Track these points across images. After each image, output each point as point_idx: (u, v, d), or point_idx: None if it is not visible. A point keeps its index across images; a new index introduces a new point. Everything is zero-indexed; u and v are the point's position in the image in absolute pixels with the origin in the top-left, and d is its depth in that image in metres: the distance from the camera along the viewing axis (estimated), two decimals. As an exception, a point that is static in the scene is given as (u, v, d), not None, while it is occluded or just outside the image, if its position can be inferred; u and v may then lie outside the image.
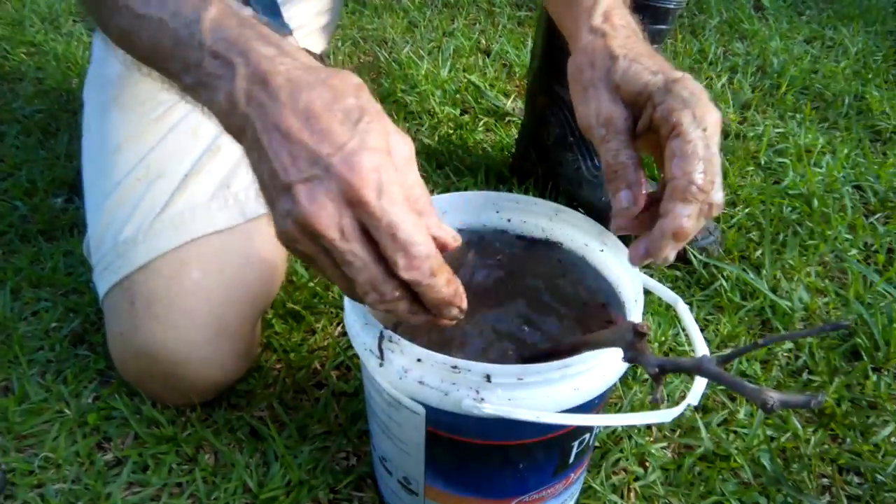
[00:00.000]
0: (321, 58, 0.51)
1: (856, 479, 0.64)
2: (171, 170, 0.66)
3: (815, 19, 1.60)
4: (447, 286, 0.39)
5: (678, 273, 0.86)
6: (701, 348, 0.44)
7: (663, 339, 0.76)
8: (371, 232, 0.37)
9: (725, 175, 1.03)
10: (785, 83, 1.29)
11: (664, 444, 0.66)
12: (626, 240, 0.49)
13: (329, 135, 0.37)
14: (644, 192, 0.45)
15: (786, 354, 0.76)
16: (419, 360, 0.42)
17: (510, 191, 0.97)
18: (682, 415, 0.56)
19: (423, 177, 0.43)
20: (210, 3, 0.42)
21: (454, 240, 0.41)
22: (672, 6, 0.79)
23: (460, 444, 0.45)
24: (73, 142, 1.04)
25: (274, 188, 0.38)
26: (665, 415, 0.40)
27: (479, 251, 0.57)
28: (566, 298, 0.57)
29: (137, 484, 0.61)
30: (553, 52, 0.86)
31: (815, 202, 0.97)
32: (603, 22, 0.49)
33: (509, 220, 0.59)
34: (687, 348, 0.75)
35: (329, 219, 0.37)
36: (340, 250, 0.37)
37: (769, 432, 0.67)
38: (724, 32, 1.51)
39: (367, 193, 0.36)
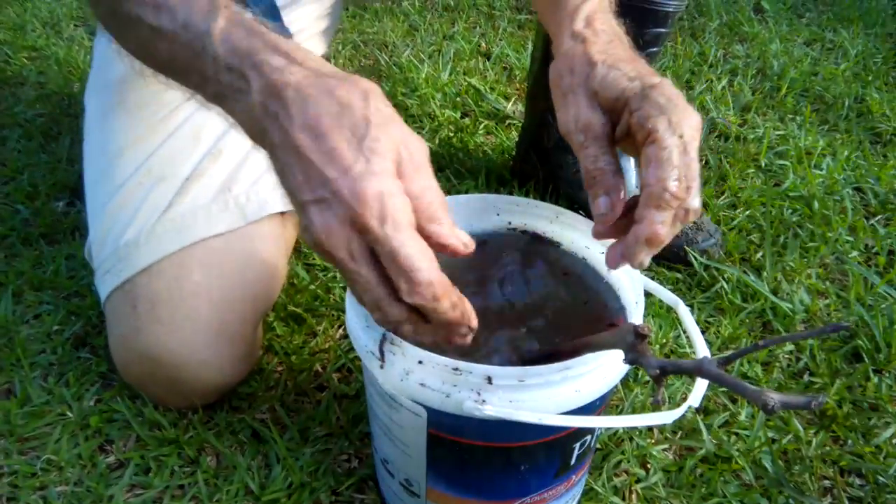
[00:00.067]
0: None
1: (857, 481, 0.64)
2: (173, 173, 0.66)
3: (815, 22, 1.61)
4: (452, 310, 0.40)
5: (679, 275, 0.86)
6: (702, 350, 0.44)
7: (664, 341, 0.76)
8: (378, 256, 0.38)
9: (725, 178, 1.04)
10: (785, 85, 1.29)
11: (665, 445, 0.66)
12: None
13: (335, 156, 0.38)
14: (622, 197, 0.45)
15: (787, 356, 0.76)
16: (420, 362, 0.42)
17: (511, 193, 0.97)
18: (683, 416, 0.56)
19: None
20: (218, 14, 0.42)
21: (465, 246, 0.41)
22: (672, 9, 0.79)
23: (462, 446, 0.45)
24: (75, 146, 1.04)
25: (293, 203, 0.40)
26: (666, 416, 0.40)
27: (481, 254, 0.57)
28: (567, 301, 0.57)
29: (139, 486, 0.61)
30: (553, 55, 0.86)
31: (816, 204, 0.97)
32: (585, 27, 0.49)
33: (510, 223, 0.59)
34: (688, 350, 0.75)
35: (339, 241, 0.38)
36: (348, 270, 0.39)
37: (770, 434, 0.67)
38: (724, 35, 1.52)
39: (370, 221, 0.37)
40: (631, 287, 0.50)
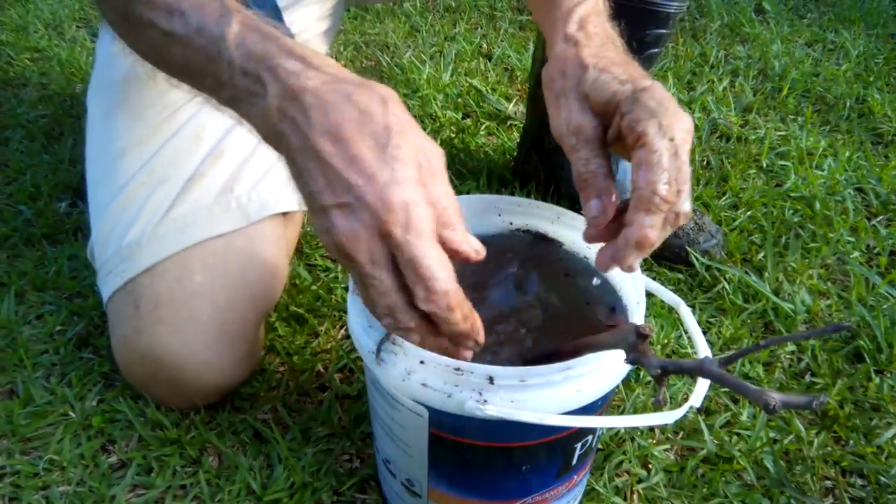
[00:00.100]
0: None
1: (859, 482, 0.64)
2: (175, 174, 0.66)
3: (817, 22, 1.61)
4: (464, 321, 0.40)
5: (681, 276, 0.86)
6: (703, 350, 0.44)
7: (666, 341, 0.76)
8: (398, 262, 0.39)
9: (727, 178, 1.04)
10: (786, 86, 1.29)
11: (667, 446, 0.66)
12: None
13: (360, 162, 0.39)
14: (614, 200, 0.45)
15: (788, 357, 0.76)
16: (422, 362, 0.42)
17: (512, 194, 0.97)
18: (684, 417, 0.56)
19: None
20: (232, 19, 0.43)
21: (476, 253, 0.42)
22: (673, 10, 0.79)
23: (463, 446, 0.46)
24: (77, 146, 1.04)
25: (311, 206, 0.40)
26: (668, 416, 0.40)
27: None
28: (569, 301, 0.58)
29: (141, 486, 0.61)
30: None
31: (817, 205, 0.97)
32: (577, 30, 0.49)
33: (511, 224, 0.59)
34: (689, 351, 0.75)
35: (361, 245, 0.38)
36: (367, 274, 0.39)
37: (772, 434, 0.67)
38: (725, 36, 1.52)
39: (395, 229, 0.38)
40: (632, 287, 0.50)
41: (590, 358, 0.42)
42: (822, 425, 0.68)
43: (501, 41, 1.44)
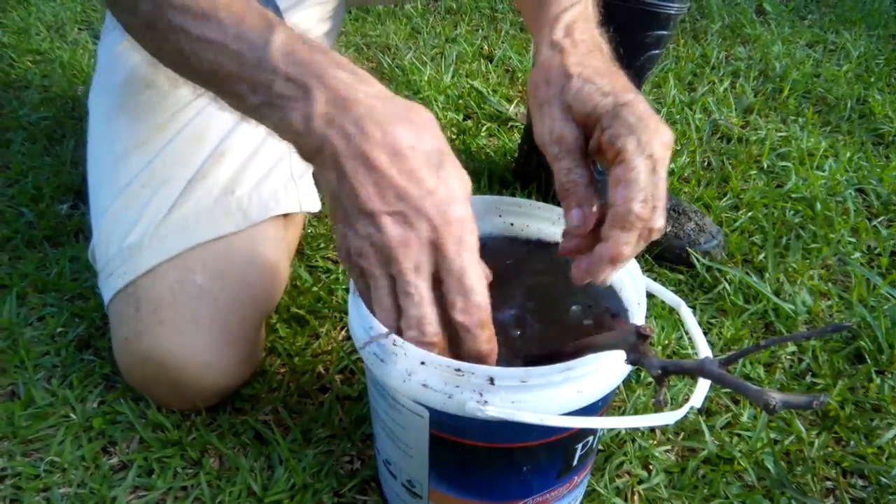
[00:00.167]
0: None
1: (860, 482, 0.64)
2: (176, 176, 0.66)
3: (817, 23, 1.61)
4: (487, 342, 0.43)
5: (681, 276, 0.86)
6: (704, 351, 0.44)
7: (666, 342, 0.76)
8: (441, 272, 0.42)
9: (728, 179, 1.04)
10: (787, 87, 1.29)
11: (668, 447, 0.66)
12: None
13: (417, 177, 0.41)
14: (595, 210, 0.45)
15: (789, 357, 0.76)
16: (423, 363, 0.42)
17: (513, 195, 0.97)
18: (685, 418, 0.56)
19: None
20: (276, 30, 0.44)
21: (487, 277, 0.44)
22: (674, 11, 0.79)
23: (464, 446, 0.46)
24: (79, 148, 1.04)
25: (354, 210, 0.42)
26: (668, 417, 0.40)
27: (483, 256, 0.58)
28: (569, 301, 0.58)
29: (142, 488, 0.61)
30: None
31: (818, 206, 0.97)
32: (564, 36, 0.49)
33: (512, 225, 0.59)
34: (690, 352, 0.75)
35: (411, 253, 0.41)
36: (408, 282, 0.41)
37: (773, 435, 0.67)
38: (726, 37, 1.52)
39: (450, 243, 0.41)
40: (633, 288, 0.50)
41: (590, 359, 0.42)
42: (822, 426, 0.68)
43: (502, 43, 1.45)
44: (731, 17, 1.59)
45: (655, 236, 0.43)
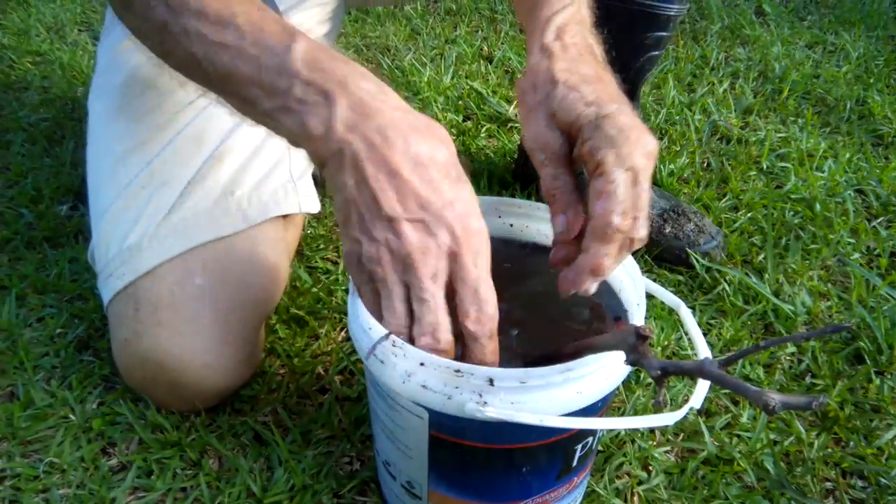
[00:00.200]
0: None
1: (860, 483, 0.64)
2: (175, 177, 0.66)
3: (817, 24, 1.61)
4: (492, 354, 0.44)
5: (681, 277, 0.86)
6: (703, 352, 0.44)
7: (666, 343, 0.76)
8: (455, 282, 0.42)
9: (727, 180, 1.04)
10: (787, 88, 1.29)
11: (667, 447, 0.66)
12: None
13: (437, 187, 0.42)
14: (580, 216, 0.46)
15: (789, 358, 0.76)
16: (422, 364, 0.42)
17: (513, 196, 0.97)
18: (685, 418, 0.56)
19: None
20: (296, 38, 0.45)
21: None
22: (673, 13, 0.79)
23: (463, 447, 0.46)
24: (79, 150, 1.04)
25: (371, 215, 0.42)
26: (668, 418, 0.40)
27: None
28: (568, 302, 0.58)
29: (142, 489, 0.61)
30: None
31: (818, 206, 0.97)
32: (554, 39, 0.49)
33: (512, 226, 0.59)
34: (690, 353, 0.75)
35: (429, 260, 0.42)
36: (424, 289, 0.42)
37: (772, 436, 0.67)
38: (725, 38, 1.52)
39: (468, 253, 0.42)
40: (632, 289, 0.50)
41: (590, 359, 0.42)
42: (822, 427, 0.68)
43: (502, 44, 1.45)
44: (731, 19, 1.59)
45: (637, 246, 0.44)
